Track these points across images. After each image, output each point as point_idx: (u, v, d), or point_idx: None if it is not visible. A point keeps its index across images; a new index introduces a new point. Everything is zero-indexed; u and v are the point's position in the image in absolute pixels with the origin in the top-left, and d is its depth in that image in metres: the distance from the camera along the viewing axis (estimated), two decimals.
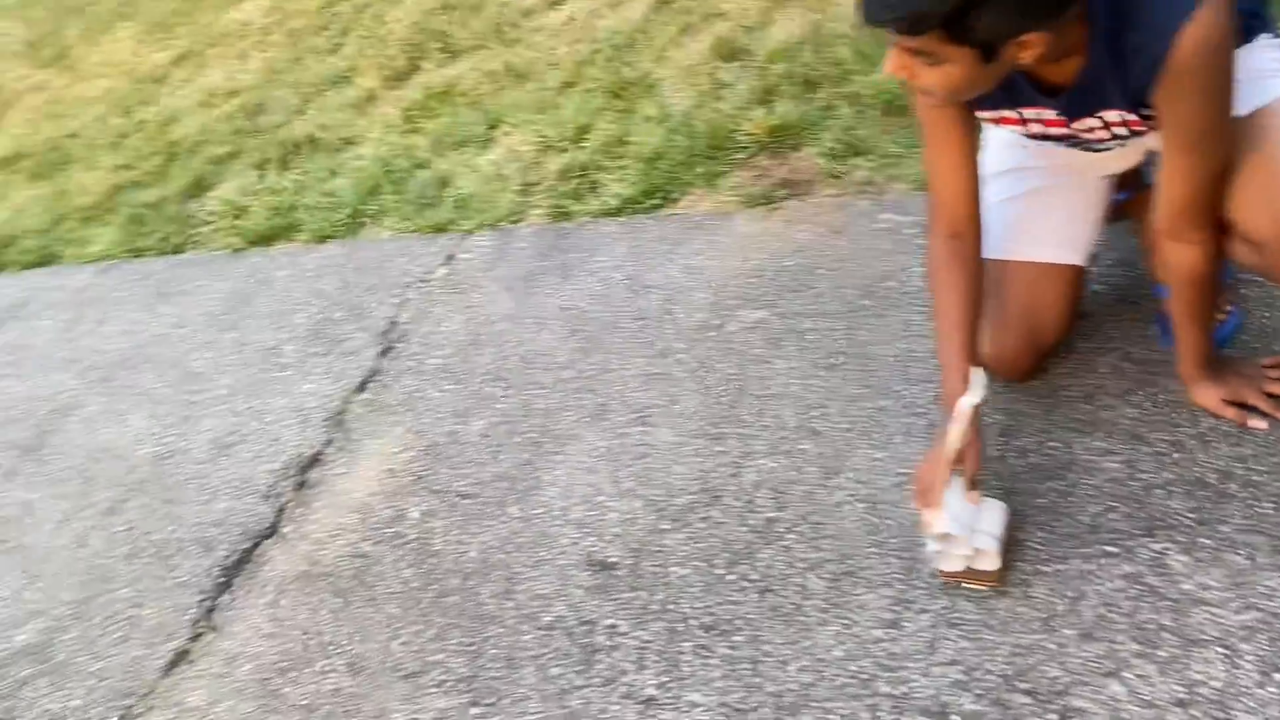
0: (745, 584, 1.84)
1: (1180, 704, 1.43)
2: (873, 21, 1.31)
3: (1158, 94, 1.40)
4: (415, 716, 1.89)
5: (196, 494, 2.61)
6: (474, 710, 1.85)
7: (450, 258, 3.04)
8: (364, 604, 2.14)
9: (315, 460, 2.55)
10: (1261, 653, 1.45)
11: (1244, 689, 1.42)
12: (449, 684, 1.91)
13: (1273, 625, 1.47)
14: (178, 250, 3.78)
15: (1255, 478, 1.65)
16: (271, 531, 2.42)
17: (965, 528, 1.60)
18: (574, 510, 2.12)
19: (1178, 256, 1.57)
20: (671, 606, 1.86)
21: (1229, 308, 1.88)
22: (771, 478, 1.99)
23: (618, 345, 2.46)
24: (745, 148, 2.87)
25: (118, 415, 3.01)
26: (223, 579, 2.35)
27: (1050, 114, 1.59)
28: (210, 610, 2.29)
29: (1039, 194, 1.84)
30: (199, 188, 4.12)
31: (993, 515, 1.65)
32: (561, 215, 3.00)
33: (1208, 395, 1.73)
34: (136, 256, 3.84)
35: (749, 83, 3.08)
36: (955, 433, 1.58)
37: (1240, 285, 1.95)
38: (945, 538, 1.61)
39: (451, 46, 4.35)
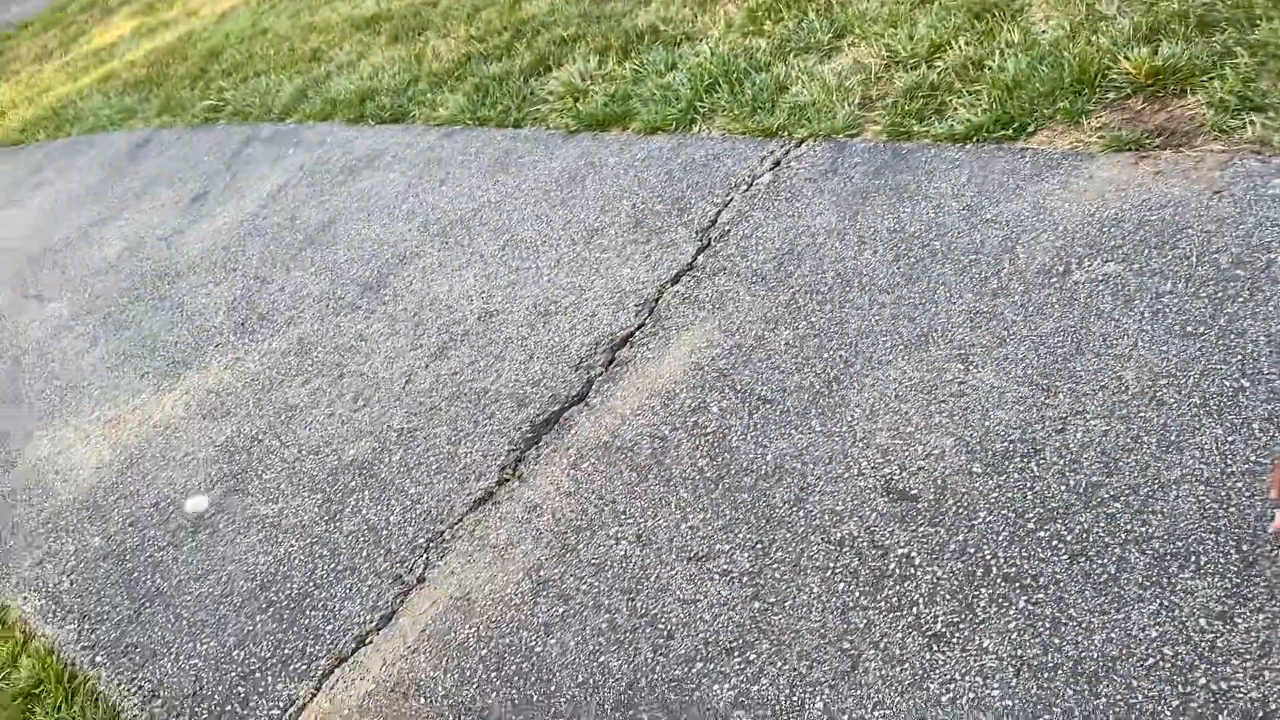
0: (1057, 544, 1.75)
1: None
2: None
3: None
4: (696, 597, 1.96)
5: (515, 353, 2.78)
6: (755, 604, 1.89)
7: (778, 164, 3.02)
8: (658, 483, 2.22)
9: (627, 341, 2.65)
10: None
11: None
12: (733, 575, 1.96)
13: None
14: (517, 125, 3.97)
15: None
16: (580, 400, 2.54)
17: None
18: (879, 435, 2.08)
19: None
20: (972, 550, 1.81)
21: None
22: (1102, 441, 1.87)
23: (947, 277, 2.37)
24: (1119, 87, 2.63)
25: (452, 270, 3.25)
26: (531, 434, 2.50)
27: None
28: (518, 460, 2.45)
29: None
30: (542, 67, 4.29)
31: None
32: (901, 135, 2.89)
33: None
34: (479, 125, 4.07)
35: (1133, 18, 2.81)
36: None
37: None
38: None
39: None
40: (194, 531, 2.69)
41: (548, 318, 2.86)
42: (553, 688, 1.94)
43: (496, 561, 2.23)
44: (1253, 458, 1.73)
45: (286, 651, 2.26)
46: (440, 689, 2.03)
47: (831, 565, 1.90)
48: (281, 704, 2.16)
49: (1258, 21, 2.57)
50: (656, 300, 2.73)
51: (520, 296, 2.99)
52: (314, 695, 2.15)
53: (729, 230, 2.85)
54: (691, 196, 3.06)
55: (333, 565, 2.41)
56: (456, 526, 2.36)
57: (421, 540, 2.37)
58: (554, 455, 2.42)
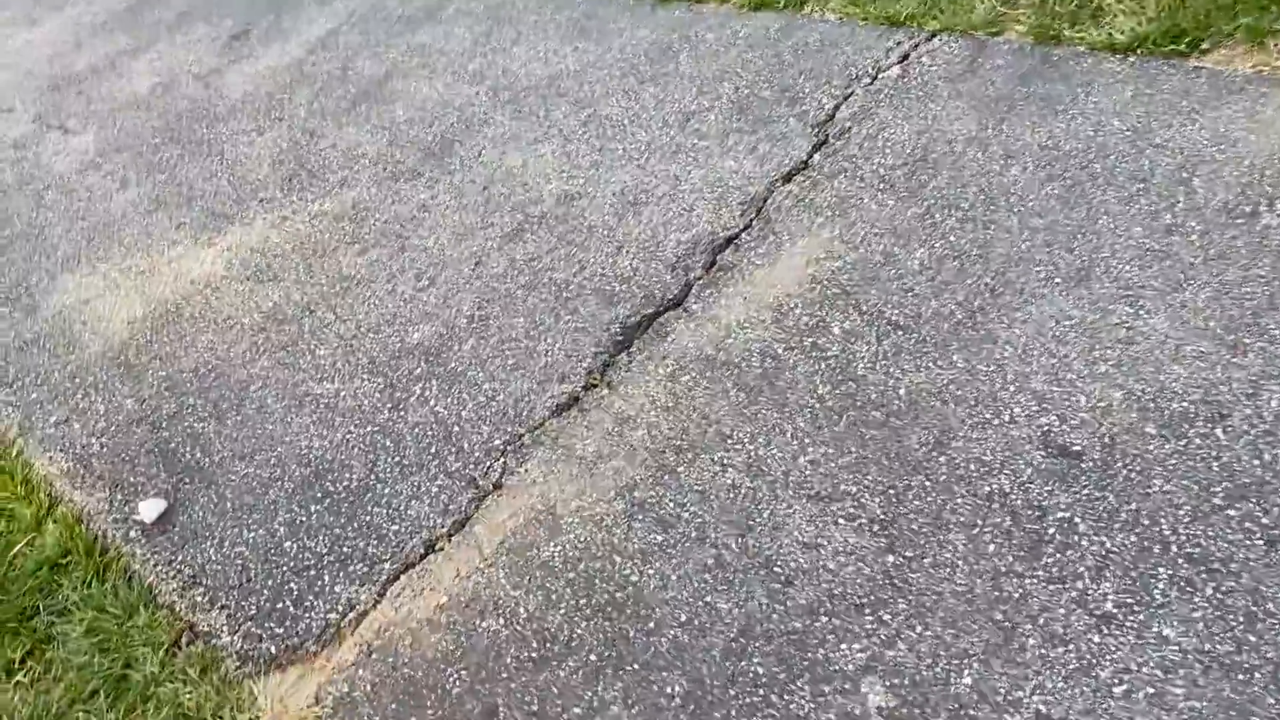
0: (1250, 526, 1.55)
1: None
2: None
3: None
4: (818, 541, 1.76)
5: (601, 244, 2.52)
6: (889, 558, 1.69)
7: (906, 58, 2.71)
8: (770, 407, 2.00)
9: (731, 243, 2.39)
10: None
11: None
12: (862, 521, 1.76)
13: None
14: None
15: None
16: (677, 304, 2.30)
17: None
18: (1034, 379, 1.85)
19: None
20: (1147, 522, 1.60)
21: None
22: None
23: (1110, 206, 2.10)
24: None
25: (526, 143, 2.96)
26: (621, 337, 2.27)
27: None
28: (605, 365, 2.22)
29: None
30: None
31: None
32: (1050, 38, 2.58)
33: None
34: None
35: None
36: None
37: None
38: None
39: None
40: (239, 404, 2.46)
41: (637, 208, 2.59)
42: (651, 625, 1.75)
43: (584, 475, 2.02)
44: None
45: (345, 550, 2.06)
46: (522, 611, 1.84)
47: (979, 522, 1.69)
48: (340, 608, 1.97)
49: None
50: (765, 199, 2.46)
51: (605, 180, 2.71)
52: (377, 602, 1.96)
53: (850, 128, 2.56)
54: (804, 85, 2.76)
55: (397, 459, 2.20)
56: (537, 431, 2.14)
57: (498, 442, 2.15)
58: (648, 364, 2.19)
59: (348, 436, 2.29)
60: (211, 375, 2.58)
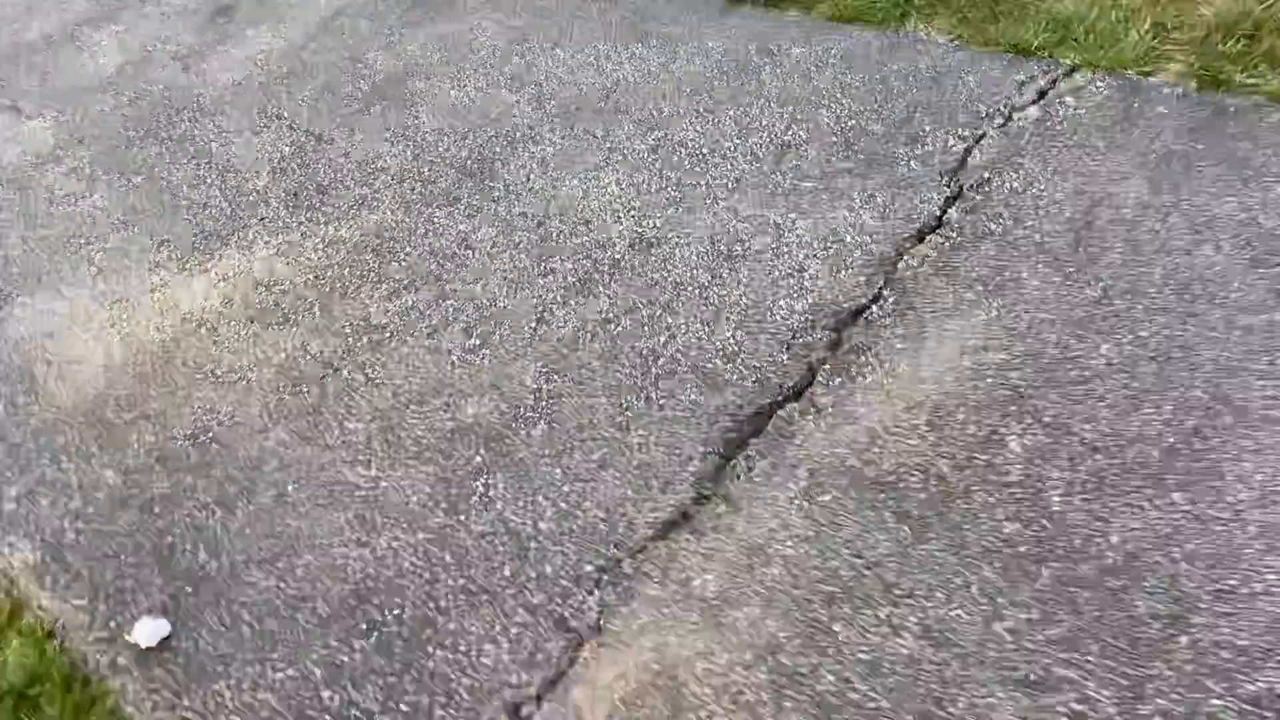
0: None
1: None
2: None
3: None
4: None
5: (694, 307, 2.11)
6: None
7: (1043, 95, 2.33)
8: (946, 548, 1.61)
9: (858, 317, 2.00)
10: None
11: None
12: None
13: None
14: None
15: None
16: (799, 394, 1.90)
17: None
18: None
19: None
20: None
21: None
22: None
23: None
24: None
25: (586, 170, 2.53)
26: (734, 434, 1.87)
27: None
28: (718, 471, 1.82)
29: None
30: None
31: None
32: (1219, 83, 2.22)
33: None
34: None
35: None
36: None
37: None
38: None
39: None
40: (251, 488, 2.02)
41: (733, 262, 2.18)
42: None
43: (709, 626, 1.62)
44: None
45: (404, 708, 1.64)
46: None
47: None
48: None
49: None
50: (895, 263, 2.07)
51: (688, 224, 2.30)
52: None
53: (989, 178, 2.17)
54: (923, 121, 2.36)
55: (462, 582, 1.77)
56: (640, 557, 1.73)
57: (590, 567, 1.74)
58: (773, 474, 1.79)
59: (394, 545, 1.86)
60: (215, 446, 2.13)
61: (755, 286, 2.11)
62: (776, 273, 2.12)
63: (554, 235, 2.37)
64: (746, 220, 2.26)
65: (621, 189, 2.43)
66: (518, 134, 2.71)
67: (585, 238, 2.34)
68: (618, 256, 2.27)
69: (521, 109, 2.78)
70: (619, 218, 2.36)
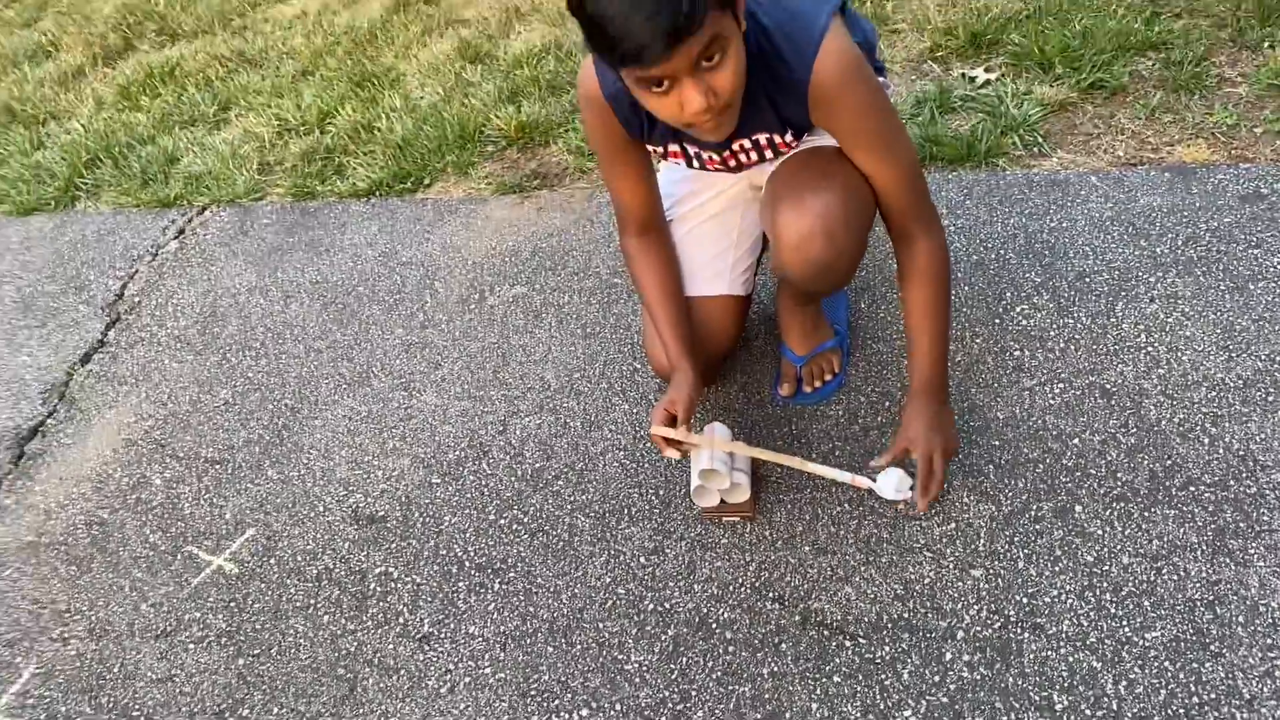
0: (517, 526, 1.94)
1: (899, 599, 1.69)
2: (650, 64, 1.22)
3: (815, 118, 1.54)
4: (172, 673, 1.83)
5: None
6: (240, 661, 1.82)
7: (182, 232, 2.93)
8: (106, 570, 2.03)
9: (36, 433, 2.37)
10: (958, 555, 1.73)
11: (948, 582, 1.69)
12: (209, 641, 1.87)
13: (964, 534, 1.76)
14: None
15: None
16: None
17: (724, 465, 1.79)
18: (338, 470, 2.13)
19: (908, 255, 1.65)
20: (444, 551, 1.93)
21: (835, 372, 2.04)
22: (538, 433, 2.11)
23: (376, 317, 2.49)
24: (495, 142, 2.99)
25: None
26: None
27: (709, 153, 1.69)
28: None
29: (694, 235, 1.94)
30: None
31: (742, 457, 1.86)
32: (306, 195, 2.98)
33: (907, 425, 1.70)
34: None
35: (496, 82, 3.21)
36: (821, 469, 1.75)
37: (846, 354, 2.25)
38: (709, 474, 1.79)
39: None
40: None
41: None
42: None
43: None
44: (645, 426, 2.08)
45: None
46: None
47: (312, 601, 1.89)
48: None
49: None
50: (67, 382, 2.49)
51: None
52: None
53: (139, 301, 2.70)
54: (89, 273, 2.84)
55: None
56: None
57: None
58: None
59: None
60: None
61: None
62: None
63: None
64: None
65: None
66: None
67: None
68: None
69: None
70: None
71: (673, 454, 1.74)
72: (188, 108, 3.49)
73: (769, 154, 1.71)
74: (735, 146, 1.69)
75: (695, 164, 1.76)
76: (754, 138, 1.66)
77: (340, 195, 2.93)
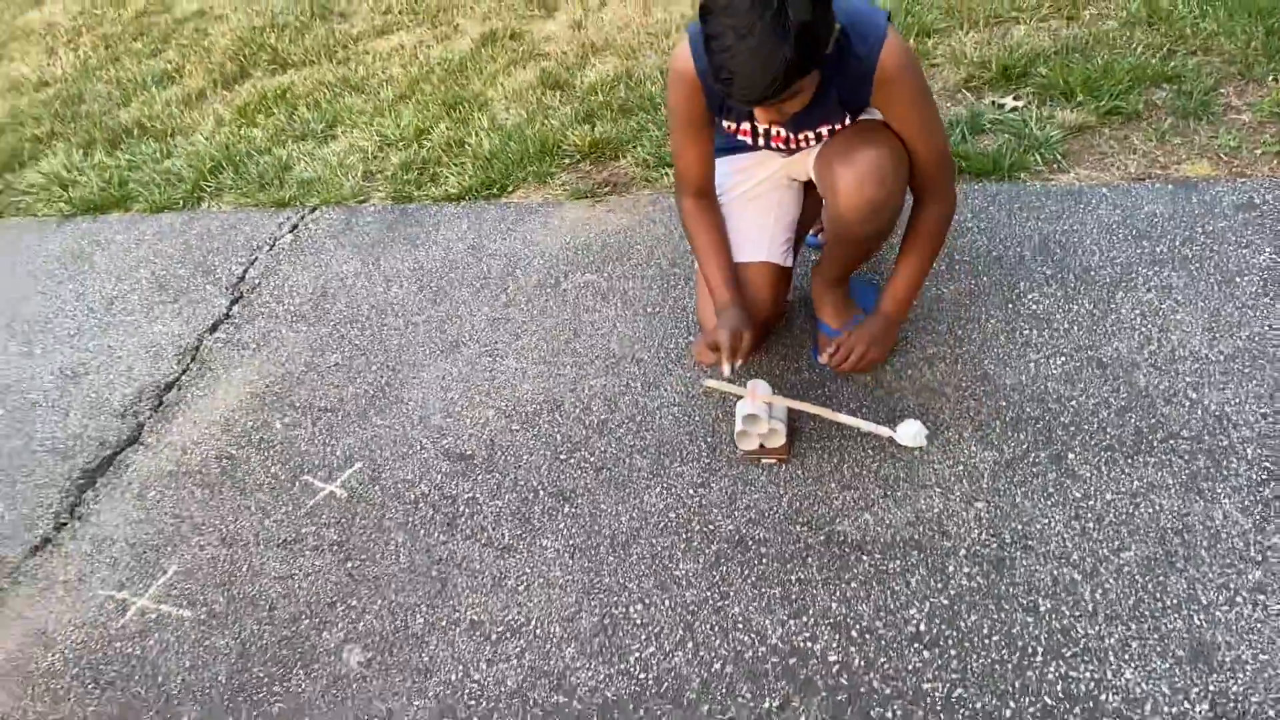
0: (584, 464, 2.26)
1: (910, 524, 1.97)
2: (755, 105, 1.71)
3: (876, 99, 1.91)
4: (288, 578, 2.17)
5: (47, 415, 2.74)
6: (348, 564, 2.16)
7: (296, 227, 3.33)
8: (234, 493, 2.39)
9: (172, 386, 2.76)
10: (963, 491, 2.02)
11: (954, 512, 1.98)
12: (322, 549, 2.21)
13: (970, 475, 2.04)
14: None
15: (965, 386, 2.26)
16: (133, 441, 2.60)
17: (764, 413, 2.11)
18: (433, 418, 2.47)
19: (921, 215, 2.09)
20: (522, 482, 2.25)
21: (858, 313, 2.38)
22: (604, 391, 2.44)
23: (465, 298, 2.85)
24: (571, 155, 3.36)
25: None
26: (83, 480, 2.51)
27: (778, 129, 2.04)
28: (74, 505, 2.45)
29: (739, 214, 2.27)
30: (16, 163, 4.15)
31: (780, 405, 2.17)
32: (404, 198, 3.37)
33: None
34: None
35: (573, 105, 3.60)
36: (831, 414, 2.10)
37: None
38: (751, 420, 2.10)
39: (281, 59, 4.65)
40: None
41: (77, 379, 2.86)
42: (159, 679, 2.01)
43: (71, 595, 2.23)
44: (702, 382, 2.40)
45: None
46: (31, 715, 1.99)
47: (410, 520, 2.23)
48: None
49: (658, 107, 3.45)
50: (198, 347, 2.88)
51: (40, 366, 2.94)
52: None
53: (260, 283, 3.09)
54: (215, 260, 3.25)
55: None
56: (15, 574, 2.30)
57: None
58: (114, 492, 2.46)
59: None
60: None
61: (96, 388, 2.79)
62: (112, 376, 2.83)
63: None
64: (87, 351, 2.95)
65: None
66: None
67: None
68: None
69: None
70: None
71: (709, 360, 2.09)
72: (299, 125, 3.93)
73: (824, 138, 2.06)
74: (800, 137, 2.06)
75: (761, 140, 2.10)
76: (818, 129, 2.02)
77: (434, 199, 3.32)
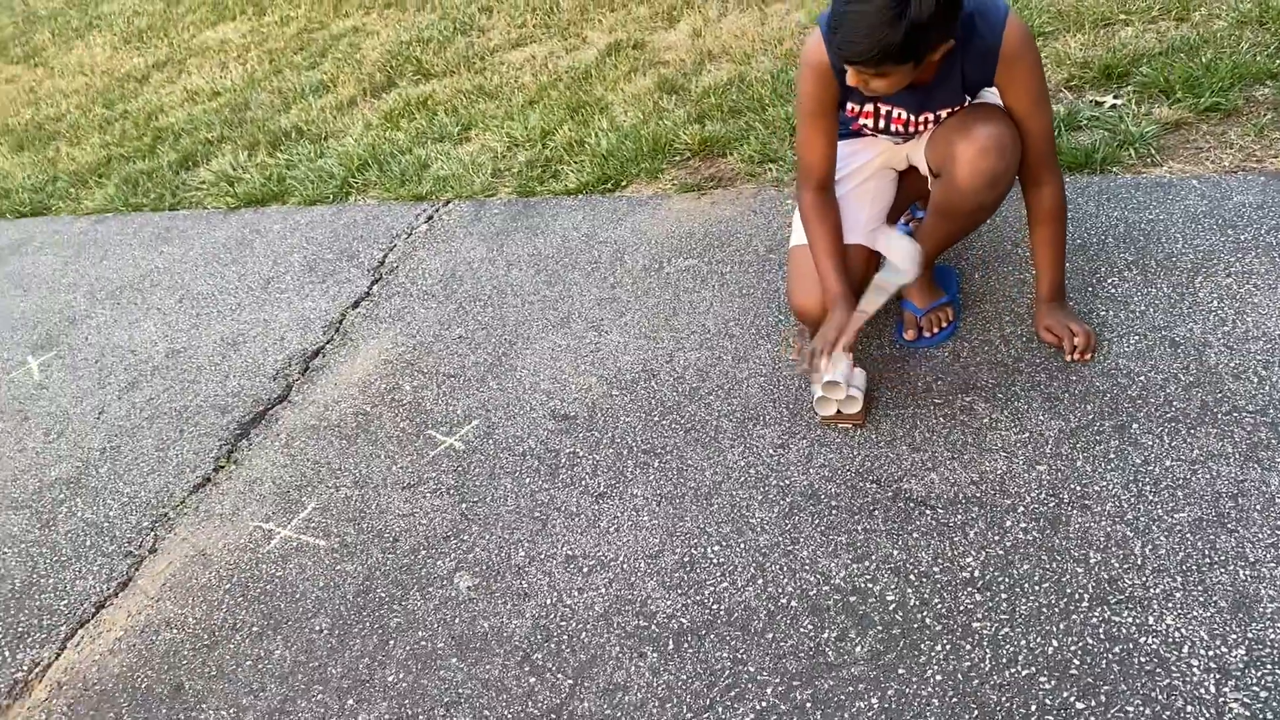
0: (675, 425, 2.47)
1: (974, 483, 2.11)
2: (848, 62, 1.85)
3: (999, 76, 2.06)
4: (413, 510, 2.45)
5: (210, 376, 3.12)
6: (462, 505, 2.42)
7: (431, 218, 3.66)
8: (367, 444, 2.69)
9: (319, 353, 3.10)
10: (1027, 455, 2.14)
11: (1016, 474, 2.10)
12: (441, 491, 2.48)
13: (1035, 441, 2.16)
14: (173, 208, 4.29)
15: (1038, 362, 2.38)
16: (282, 399, 2.95)
17: (844, 379, 2.27)
18: (542, 384, 2.73)
19: (1039, 198, 2.18)
20: (619, 440, 2.48)
21: (950, 321, 2.50)
22: (697, 363, 2.64)
23: (576, 280, 3.10)
24: (681, 153, 3.59)
25: (129, 323, 3.50)
26: (239, 431, 2.86)
27: (901, 111, 2.22)
28: (230, 451, 2.80)
29: (853, 192, 2.43)
30: (190, 163, 4.65)
31: (859, 375, 2.33)
32: (528, 193, 3.66)
33: (1041, 319, 2.33)
34: (133, 211, 4.33)
35: (687, 108, 3.83)
36: (874, 301, 2.24)
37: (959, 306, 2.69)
38: (831, 386, 2.27)
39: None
40: None
41: (236, 346, 3.23)
42: (297, 595, 2.31)
43: (226, 524, 2.56)
44: (789, 358, 2.57)
45: (20, 629, 2.41)
46: (191, 619, 2.32)
47: (518, 469, 2.48)
48: (25, 667, 2.31)
49: (767, 108, 3.65)
50: (341, 321, 3.22)
51: (205, 335, 3.33)
52: (58, 654, 2.33)
53: (397, 266, 3.42)
54: (359, 246, 3.60)
55: (54, 560, 2.58)
56: (180, 507, 2.65)
57: (146, 523, 2.63)
58: (265, 441, 2.80)
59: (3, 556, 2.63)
60: None
61: (252, 354, 3.16)
62: (266, 344, 3.20)
63: (110, 365, 3.30)
64: (245, 322, 3.33)
65: (157, 328, 3.42)
66: (76, 315, 3.62)
67: (132, 360, 3.29)
68: (157, 364, 3.24)
69: (78, 301, 3.71)
70: (155, 343, 3.34)
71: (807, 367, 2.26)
72: (437, 128, 4.28)
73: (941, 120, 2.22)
74: (922, 119, 2.21)
75: (881, 123, 2.26)
76: (938, 112, 2.19)
77: (555, 193, 3.59)
